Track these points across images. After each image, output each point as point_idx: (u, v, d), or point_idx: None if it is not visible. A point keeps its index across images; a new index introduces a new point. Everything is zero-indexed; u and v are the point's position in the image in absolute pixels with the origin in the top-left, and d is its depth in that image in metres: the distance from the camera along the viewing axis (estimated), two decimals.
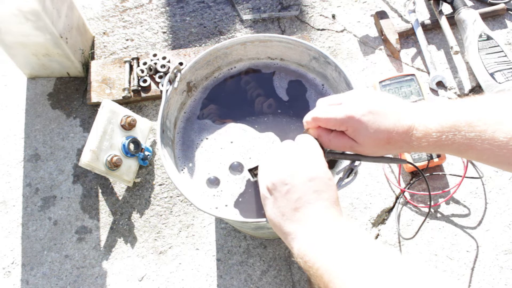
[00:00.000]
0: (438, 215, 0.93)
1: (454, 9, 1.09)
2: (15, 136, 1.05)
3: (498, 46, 1.02)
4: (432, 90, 1.06)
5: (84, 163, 0.86)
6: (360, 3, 1.19)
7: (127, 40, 1.16)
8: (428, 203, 0.92)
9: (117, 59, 1.09)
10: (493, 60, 1.01)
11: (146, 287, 0.89)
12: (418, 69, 1.09)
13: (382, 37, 1.12)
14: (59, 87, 1.11)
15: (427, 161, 0.93)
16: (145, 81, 1.05)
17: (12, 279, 0.91)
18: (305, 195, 0.49)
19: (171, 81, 0.71)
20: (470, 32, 1.05)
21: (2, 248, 0.94)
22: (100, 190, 0.98)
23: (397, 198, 0.95)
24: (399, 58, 1.10)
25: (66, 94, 1.10)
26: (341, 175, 0.61)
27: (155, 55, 1.08)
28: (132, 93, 1.04)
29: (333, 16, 1.17)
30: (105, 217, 0.96)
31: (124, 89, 1.03)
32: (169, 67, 1.07)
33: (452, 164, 0.97)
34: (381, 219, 0.94)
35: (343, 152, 0.59)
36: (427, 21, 1.12)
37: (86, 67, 1.11)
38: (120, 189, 0.98)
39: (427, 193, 0.92)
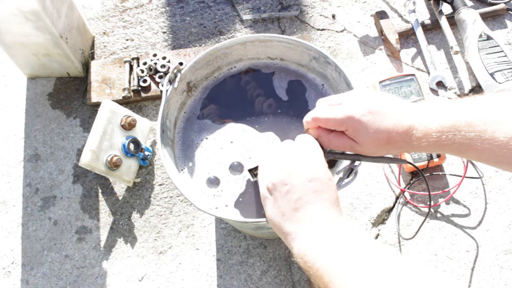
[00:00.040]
0: (438, 215, 0.93)
1: (454, 9, 1.09)
2: (15, 136, 1.05)
3: (498, 46, 1.02)
4: (432, 90, 1.06)
5: (84, 163, 0.86)
6: (360, 3, 1.19)
7: (127, 40, 1.16)
8: (428, 203, 0.92)
9: (117, 59, 1.09)
10: (493, 60, 1.01)
11: (146, 287, 0.89)
12: (418, 69, 1.09)
13: (382, 37, 1.12)
14: (59, 87, 1.11)
15: (427, 161, 0.93)
16: (145, 81, 1.05)
17: (12, 279, 0.91)
18: (305, 195, 0.49)
19: (171, 81, 0.71)
20: (470, 32, 1.05)
21: (2, 248, 0.94)
22: (100, 190, 0.98)
23: (397, 198, 0.95)
24: (399, 58, 1.10)
25: (66, 94, 1.10)
26: (341, 175, 0.61)
27: (155, 55, 1.08)
28: (132, 93, 1.04)
29: (333, 16, 1.17)
30: (105, 217, 0.96)
31: (124, 89, 1.03)
32: (169, 67, 1.07)
33: (452, 164, 0.97)
34: (381, 219, 0.94)
35: (343, 152, 0.59)
36: (427, 21, 1.12)
37: (86, 67, 1.11)
38: (120, 189, 0.98)
39: (427, 193, 0.92)
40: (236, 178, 0.69)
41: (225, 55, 0.76)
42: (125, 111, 0.95)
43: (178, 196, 0.97)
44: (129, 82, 1.05)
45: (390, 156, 0.61)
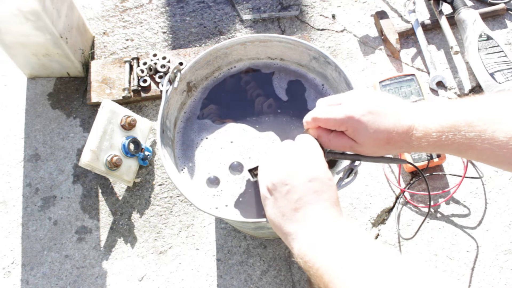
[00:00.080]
0: (438, 215, 0.93)
1: (454, 9, 1.09)
2: (15, 136, 1.06)
3: (498, 46, 1.02)
4: (432, 90, 1.06)
5: (84, 163, 0.86)
6: (360, 3, 1.19)
7: (127, 40, 1.16)
8: (428, 203, 0.92)
9: (117, 59, 1.09)
10: (493, 60, 1.01)
11: (146, 287, 0.89)
12: (418, 69, 1.09)
13: (382, 37, 1.12)
14: (59, 87, 1.11)
15: (427, 161, 0.93)
16: (145, 81, 1.05)
17: (12, 279, 0.91)
18: (305, 196, 0.49)
19: (171, 81, 0.71)
20: (470, 32, 1.05)
21: (2, 248, 0.94)
22: (100, 190, 0.98)
23: (397, 198, 0.95)
24: (399, 58, 1.10)
25: (66, 94, 1.10)
26: (341, 175, 0.61)
27: (155, 55, 1.08)
28: (132, 93, 1.04)
29: (333, 16, 1.17)
30: (105, 217, 0.96)
31: (124, 89, 1.03)
32: (169, 67, 1.07)
33: (452, 164, 0.97)
34: (381, 219, 0.94)
35: (343, 152, 0.59)
36: (427, 21, 1.12)
37: (86, 67, 1.11)
38: (120, 189, 0.98)
39: (427, 193, 0.92)
40: (236, 178, 0.69)
41: (225, 55, 0.76)
42: (125, 111, 0.95)
43: (178, 196, 0.97)
44: (129, 82, 1.05)
45: (390, 156, 0.61)
